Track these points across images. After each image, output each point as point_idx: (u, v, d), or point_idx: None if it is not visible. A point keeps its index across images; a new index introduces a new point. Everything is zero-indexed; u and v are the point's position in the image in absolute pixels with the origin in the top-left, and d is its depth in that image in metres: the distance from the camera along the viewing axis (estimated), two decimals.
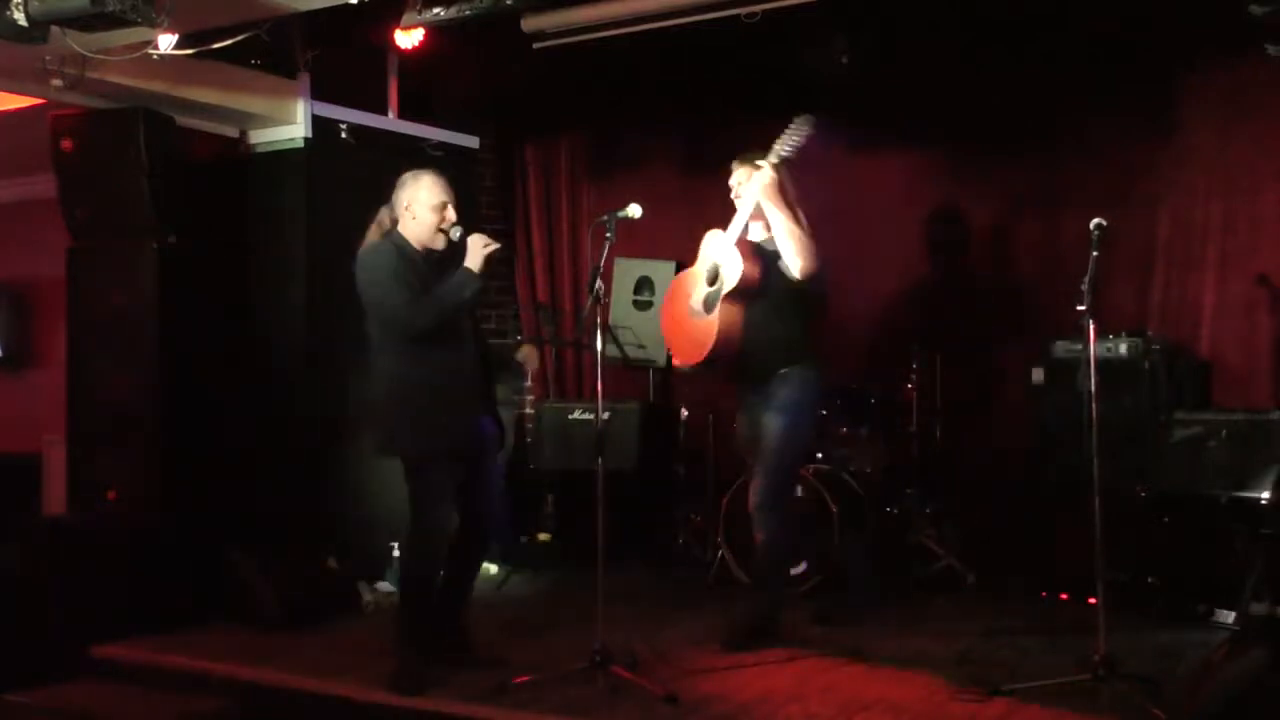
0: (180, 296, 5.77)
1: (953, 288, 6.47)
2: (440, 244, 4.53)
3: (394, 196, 4.55)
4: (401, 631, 4.57)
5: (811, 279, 4.85)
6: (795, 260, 4.79)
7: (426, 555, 4.51)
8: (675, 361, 5.25)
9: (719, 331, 4.86)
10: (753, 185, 4.82)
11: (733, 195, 4.99)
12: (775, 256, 4.87)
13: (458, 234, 4.50)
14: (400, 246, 4.48)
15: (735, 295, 4.84)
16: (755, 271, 4.83)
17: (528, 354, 5.94)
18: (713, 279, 4.94)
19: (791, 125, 4.76)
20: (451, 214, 4.50)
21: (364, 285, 4.48)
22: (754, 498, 4.94)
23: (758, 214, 4.91)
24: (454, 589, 4.68)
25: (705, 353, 4.91)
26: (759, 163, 4.81)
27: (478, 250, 4.43)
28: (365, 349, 6.16)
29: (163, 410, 5.69)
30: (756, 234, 5.00)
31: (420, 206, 4.48)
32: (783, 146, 4.76)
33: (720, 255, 4.90)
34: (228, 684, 4.74)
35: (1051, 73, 6.09)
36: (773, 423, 4.88)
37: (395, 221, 4.55)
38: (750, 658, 4.77)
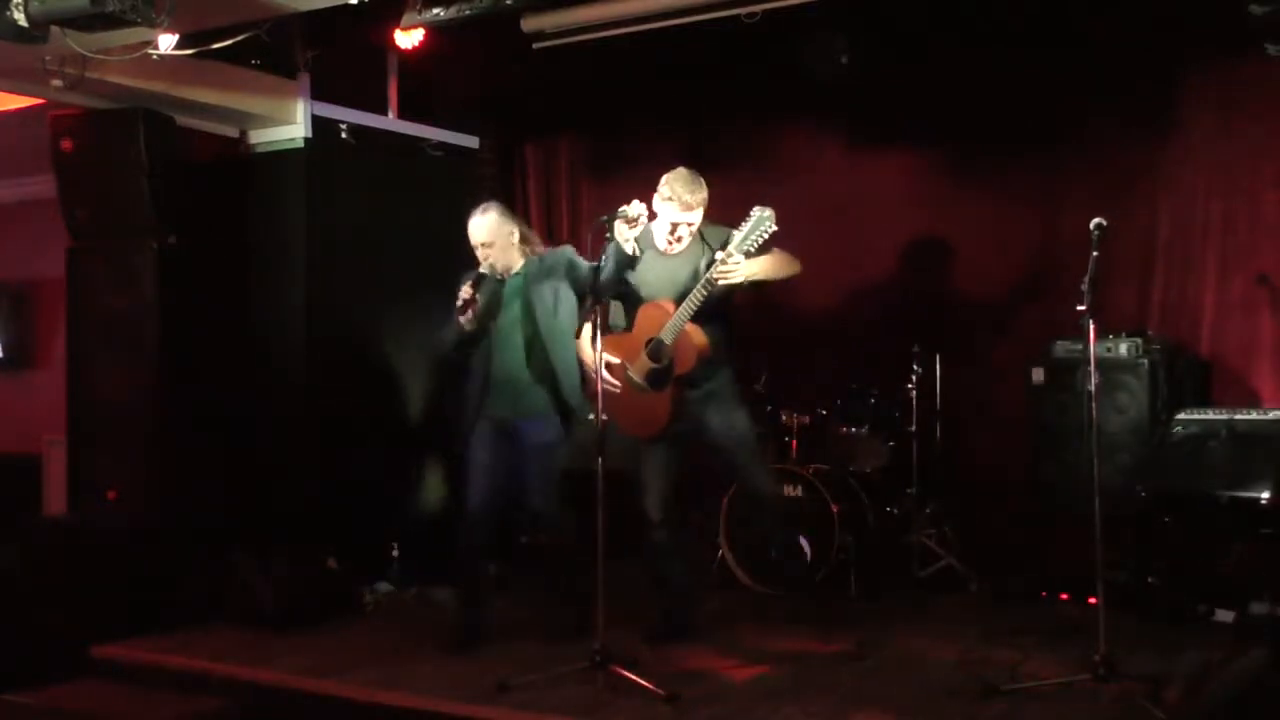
0: (180, 296, 5.77)
1: (953, 288, 6.46)
2: (518, 265, 5.03)
3: None
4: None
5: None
6: (789, 274, 4.78)
7: (460, 526, 5.05)
8: (635, 433, 4.89)
9: (673, 407, 4.74)
10: (737, 277, 4.55)
11: (679, 232, 4.77)
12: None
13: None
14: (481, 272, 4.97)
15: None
16: (703, 340, 4.68)
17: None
18: (658, 356, 4.73)
19: (754, 218, 4.49)
20: (484, 254, 4.94)
21: None
22: (763, 488, 4.95)
23: (672, 229, 4.77)
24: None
25: (660, 429, 4.79)
26: (732, 257, 4.50)
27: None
28: (364, 347, 6.27)
29: (163, 410, 5.69)
30: (661, 242, 4.84)
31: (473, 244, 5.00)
32: (750, 244, 4.50)
33: (668, 334, 4.68)
34: (228, 684, 4.74)
35: (1051, 73, 6.09)
36: (737, 417, 4.84)
37: None
38: (750, 657, 4.77)
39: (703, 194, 4.76)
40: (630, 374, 4.81)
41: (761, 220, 4.50)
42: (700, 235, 4.81)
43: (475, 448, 4.98)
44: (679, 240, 4.80)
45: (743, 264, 4.56)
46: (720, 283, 4.57)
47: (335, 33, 6.00)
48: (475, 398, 5.00)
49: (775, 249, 4.68)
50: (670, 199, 4.74)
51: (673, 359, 4.71)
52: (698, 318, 4.66)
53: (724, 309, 4.80)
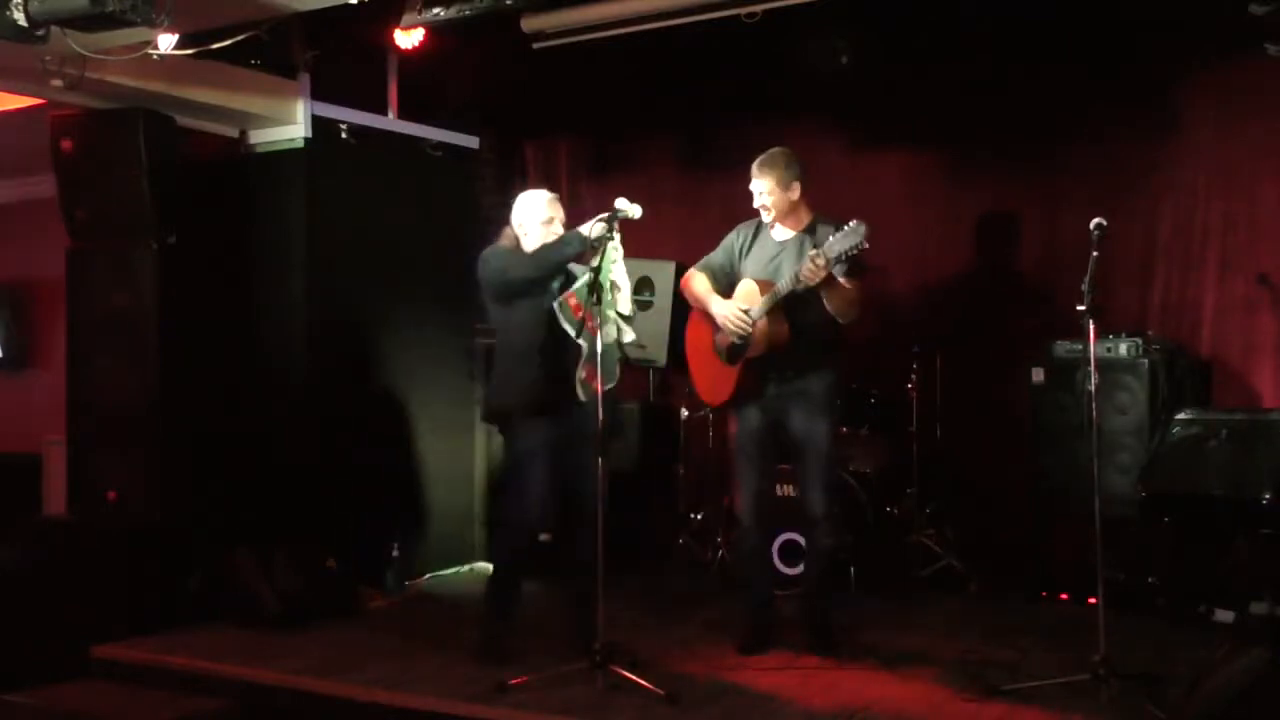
0: (180, 296, 5.76)
1: (953, 288, 6.47)
2: None
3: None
4: (487, 599, 4.89)
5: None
6: (846, 319, 4.74)
7: (511, 524, 4.84)
8: (703, 398, 5.13)
9: (736, 384, 4.83)
10: (819, 277, 4.50)
11: (757, 204, 4.79)
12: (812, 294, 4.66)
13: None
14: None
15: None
16: (782, 334, 4.70)
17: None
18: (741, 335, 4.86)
19: (849, 228, 4.39)
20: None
21: (480, 271, 4.77)
22: (817, 507, 4.80)
23: (785, 220, 4.80)
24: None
25: (722, 400, 4.93)
26: (819, 259, 4.42)
27: (593, 221, 4.63)
28: (364, 348, 6.27)
29: (163, 410, 5.68)
30: (781, 234, 4.85)
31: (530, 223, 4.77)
32: (838, 251, 4.41)
33: (753, 314, 4.74)
34: (228, 684, 4.74)
35: (1052, 73, 6.09)
36: (818, 426, 4.79)
37: (517, 240, 4.81)
38: (750, 658, 4.78)
39: (777, 170, 4.72)
40: (716, 340, 4.91)
41: (855, 231, 4.39)
42: (812, 228, 4.78)
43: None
44: (765, 210, 4.80)
45: (829, 269, 4.47)
46: (803, 281, 4.52)
47: (335, 33, 6.00)
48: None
49: (856, 288, 4.61)
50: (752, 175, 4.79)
51: (748, 340, 4.77)
52: (796, 312, 4.66)
53: (827, 312, 4.73)
